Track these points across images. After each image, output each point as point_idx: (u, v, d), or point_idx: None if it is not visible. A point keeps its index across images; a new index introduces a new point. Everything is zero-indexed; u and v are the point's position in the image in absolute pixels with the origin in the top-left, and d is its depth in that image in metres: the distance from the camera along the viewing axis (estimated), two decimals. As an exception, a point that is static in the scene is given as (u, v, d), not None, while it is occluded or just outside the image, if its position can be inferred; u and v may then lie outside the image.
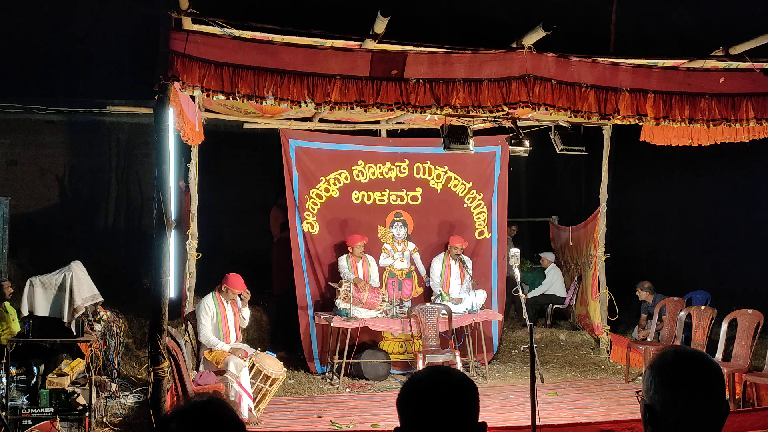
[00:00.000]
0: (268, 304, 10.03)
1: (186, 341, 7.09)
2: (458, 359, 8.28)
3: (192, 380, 6.37)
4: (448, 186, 9.39)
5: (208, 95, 5.37)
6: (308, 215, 8.94)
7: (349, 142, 9.19)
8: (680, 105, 6.20)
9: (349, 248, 8.74)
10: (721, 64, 6.43)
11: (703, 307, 8.20)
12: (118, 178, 11.41)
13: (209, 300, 7.20)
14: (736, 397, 7.09)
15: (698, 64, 6.39)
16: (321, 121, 8.97)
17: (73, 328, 6.75)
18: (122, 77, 10.71)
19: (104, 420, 6.58)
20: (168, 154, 5.28)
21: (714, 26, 11.32)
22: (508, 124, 7.95)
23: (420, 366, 8.09)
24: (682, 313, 8.25)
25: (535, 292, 10.97)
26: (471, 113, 6.24)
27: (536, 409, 4.99)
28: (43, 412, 6.13)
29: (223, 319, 7.21)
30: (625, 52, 6.82)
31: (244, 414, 6.62)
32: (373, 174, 9.18)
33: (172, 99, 5.36)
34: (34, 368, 6.52)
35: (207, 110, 8.15)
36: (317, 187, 8.98)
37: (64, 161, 11.19)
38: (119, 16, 11.18)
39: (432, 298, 9.09)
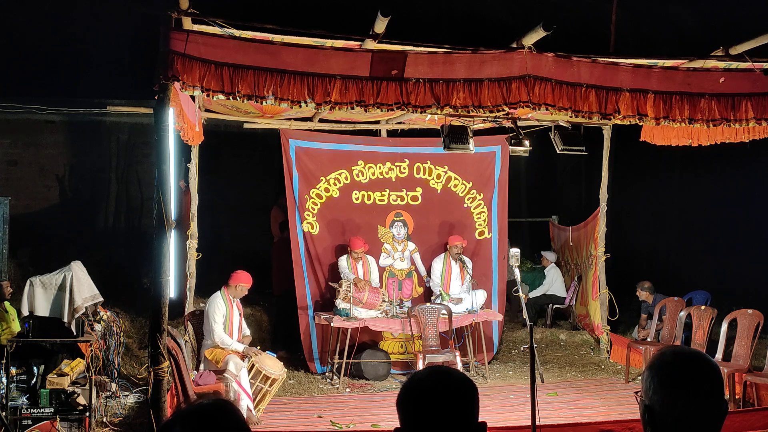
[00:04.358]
0: (268, 304, 10.03)
1: (186, 341, 7.09)
2: (458, 359, 8.28)
3: (192, 380, 6.37)
4: (449, 186, 9.39)
5: (208, 95, 5.37)
6: (308, 215, 8.94)
7: (349, 142, 9.19)
8: (680, 105, 6.21)
9: (349, 249, 8.75)
10: (721, 64, 6.43)
11: (703, 307, 8.20)
12: (118, 178, 11.41)
13: (219, 299, 7.21)
14: (736, 397, 7.09)
15: (698, 64, 6.39)
16: (321, 121, 8.97)
17: (73, 328, 6.75)
18: (122, 77, 10.70)
19: (104, 420, 6.58)
20: (168, 154, 5.28)
21: (714, 26, 11.32)
22: (508, 124, 7.95)
23: (420, 366, 8.09)
24: (682, 313, 8.25)
25: (536, 293, 10.97)
26: (471, 113, 6.24)
27: (536, 409, 4.99)
28: (43, 412, 6.12)
29: (230, 317, 7.22)
30: (625, 52, 6.82)
31: (243, 414, 6.61)
32: (373, 174, 9.18)
33: (172, 99, 5.36)
34: (34, 368, 6.52)
35: (207, 110, 8.15)
36: (317, 187, 8.98)
37: (64, 161, 11.19)
38: (119, 16, 11.17)
39: (432, 298, 9.09)
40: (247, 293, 7.44)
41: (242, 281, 7.30)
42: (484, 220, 9.48)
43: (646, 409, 1.87)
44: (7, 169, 10.87)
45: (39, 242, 9.98)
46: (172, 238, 5.39)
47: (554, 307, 10.90)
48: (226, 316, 7.19)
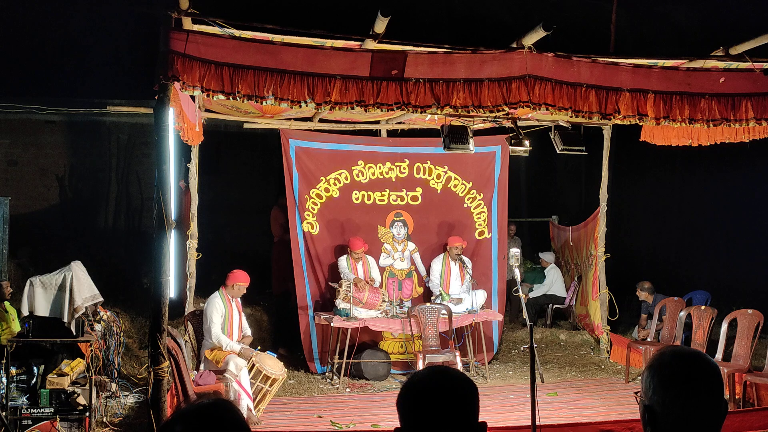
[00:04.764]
0: (268, 304, 10.03)
1: (186, 341, 7.09)
2: (458, 359, 8.28)
3: (192, 380, 6.37)
4: (448, 186, 9.39)
5: (208, 95, 5.37)
6: (308, 215, 8.93)
7: (349, 142, 9.19)
8: (680, 105, 6.21)
9: (349, 250, 8.75)
10: (721, 64, 6.43)
11: (703, 307, 8.20)
12: (118, 178, 11.42)
13: (217, 299, 7.19)
14: (736, 397, 7.09)
15: (698, 64, 6.39)
16: (321, 121, 8.97)
17: (73, 328, 6.75)
18: (122, 77, 10.72)
19: (104, 420, 6.58)
20: (168, 154, 5.28)
21: (714, 26, 11.33)
22: (508, 124, 7.95)
23: (420, 366, 8.09)
24: (682, 313, 8.25)
25: (536, 293, 10.97)
26: (471, 113, 6.24)
27: (536, 409, 4.99)
28: (43, 412, 6.12)
29: (229, 317, 7.21)
30: (625, 52, 6.82)
31: (243, 414, 6.60)
32: (373, 174, 9.18)
33: (172, 99, 5.36)
34: (34, 368, 6.52)
35: (207, 110, 8.14)
36: (317, 187, 8.98)
37: (64, 161, 11.20)
38: (119, 16, 11.19)
39: (432, 298, 9.09)
40: (245, 292, 7.43)
41: (239, 280, 7.30)
42: (484, 220, 9.47)
43: (646, 410, 1.87)
44: (7, 169, 10.88)
45: (39, 242, 9.99)
46: (172, 238, 5.39)
47: (554, 307, 10.90)
48: (225, 317, 7.18)
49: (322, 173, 9.00)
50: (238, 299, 7.44)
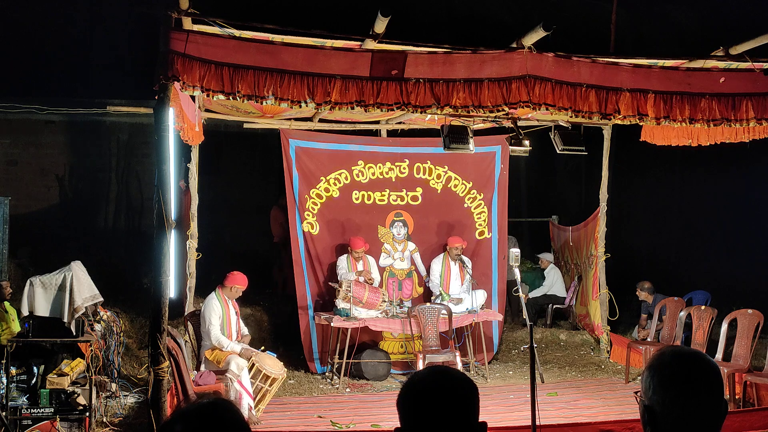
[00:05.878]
0: (268, 304, 10.03)
1: (186, 341, 7.09)
2: (458, 359, 8.28)
3: (192, 380, 6.37)
4: (449, 186, 9.39)
5: (208, 95, 5.38)
6: (308, 215, 8.93)
7: (349, 142, 9.19)
8: (680, 105, 6.21)
9: (350, 249, 8.75)
10: (721, 64, 6.43)
11: (703, 307, 8.20)
12: (118, 178, 11.42)
13: (214, 300, 7.17)
14: (736, 397, 7.09)
15: (698, 64, 6.39)
16: (321, 121, 8.97)
17: (73, 328, 6.75)
18: (122, 77, 10.72)
19: (104, 420, 6.58)
20: (168, 154, 5.28)
21: (714, 26, 11.33)
22: (508, 124, 7.95)
23: (420, 366, 8.09)
24: (682, 313, 8.25)
25: (537, 293, 10.96)
26: (471, 113, 6.24)
27: (536, 409, 4.99)
28: (43, 412, 6.12)
29: (227, 318, 7.20)
30: (625, 52, 6.82)
31: (244, 413, 6.60)
32: (373, 174, 9.18)
33: (172, 99, 5.36)
34: (34, 368, 6.52)
35: (207, 110, 8.14)
36: (317, 187, 8.98)
37: (64, 161, 11.19)
38: (119, 16, 11.19)
39: (432, 298, 9.09)
40: (241, 295, 7.42)
41: (238, 283, 7.28)
42: (484, 220, 9.47)
43: (645, 410, 1.87)
44: (7, 169, 10.88)
45: (39, 242, 9.98)
46: (172, 238, 5.39)
47: (554, 307, 10.90)
48: (223, 317, 7.17)
49: (322, 173, 9.00)
50: (234, 300, 7.42)
